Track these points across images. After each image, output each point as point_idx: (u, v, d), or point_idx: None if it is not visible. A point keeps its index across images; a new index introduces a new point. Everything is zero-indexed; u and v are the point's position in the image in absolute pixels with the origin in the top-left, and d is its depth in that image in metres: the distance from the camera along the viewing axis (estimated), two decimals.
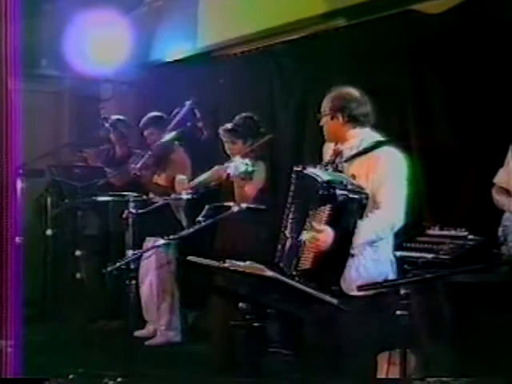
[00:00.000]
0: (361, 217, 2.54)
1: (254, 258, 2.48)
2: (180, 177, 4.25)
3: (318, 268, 2.54)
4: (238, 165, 3.56)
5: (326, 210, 2.51)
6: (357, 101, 2.76)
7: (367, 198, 2.55)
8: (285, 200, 2.70)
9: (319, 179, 2.54)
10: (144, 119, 4.50)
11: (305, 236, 2.55)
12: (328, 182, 2.51)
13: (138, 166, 4.20)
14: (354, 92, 2.78)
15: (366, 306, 2.56)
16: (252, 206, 3.04)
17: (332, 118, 2.78)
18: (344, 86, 2.80)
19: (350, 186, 2.53)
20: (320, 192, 2.51)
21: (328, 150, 2.90)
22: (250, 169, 3.55)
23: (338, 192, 2.49)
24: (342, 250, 2.55)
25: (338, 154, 2.81)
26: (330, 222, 2.51)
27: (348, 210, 2.52)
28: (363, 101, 2.77)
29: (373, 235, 2.60)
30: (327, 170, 2.74)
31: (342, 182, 2.55)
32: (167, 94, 4.88)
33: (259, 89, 4.62)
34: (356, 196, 2.52)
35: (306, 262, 2.58)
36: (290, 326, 3.69)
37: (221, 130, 3.90)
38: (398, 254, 2.84)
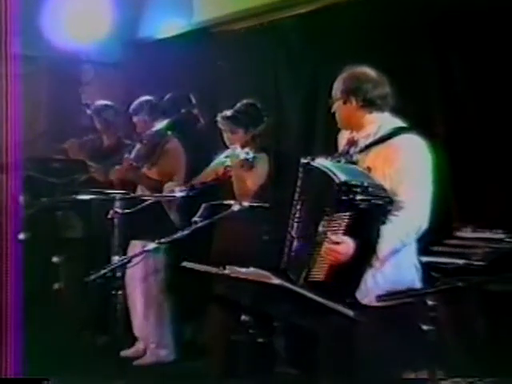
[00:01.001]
0: (383, 223, 2.52)
1: (258, 263, 2.49)
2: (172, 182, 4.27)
3: (332, 281, 2.53)
4: (236, 153, 3.56)
5: (344, 218, 2.48)
6: (372, 81, 2.74)
7: (391, 203, 2.53)
8: (291, 197, 2.69)
9: (335, 179, 2.50)
10: (134, 104, 4.51)
11: (319, 245, 2.54)
12: (346, 183, 2.48)
13: (133, 155, 4.22)
14: (369, 72, 2.77)
15: (387, 318, 2.54)
16: (255, 203, 3.01)
17: (345, 103, 2.78)
18: (358, 66, 2.79)
19: (371, 189, 2.51)
20: (337, 196, 2.48)
21: (343, 138, 2.90)
22: (250, 156, 3.55)
23: (359, 198, 2.47)
24: (362, 262, 2.54)
25: (352, 143, 2.80)
26: (349, 232, 2.49)
27: (370, 218, 2.50)
28: (380, 81, 2.75)
29: (397, 242, 2.57)
30: (339, 161, 2.73)
31: (361, 184, 2.50)
32: (158, 76, 4.88)
33: (263, 71, 4.62)
34: (379, 202, 2.51)
35: (318, 273, 2.56)
36: (299, 341, 3.68)
37: (219, 118, 3.91)
38: (424, 259, 2.81)
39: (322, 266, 2.55)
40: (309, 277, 2.57)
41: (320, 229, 2.53)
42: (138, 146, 4.32)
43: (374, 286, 2.59)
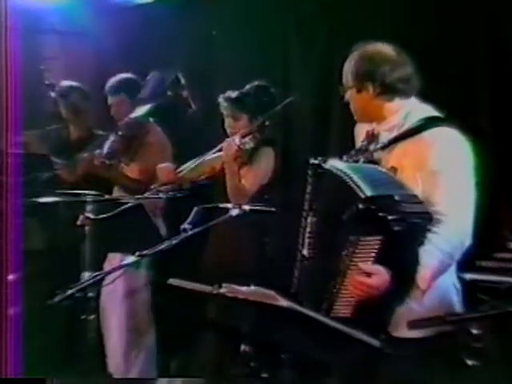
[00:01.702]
0: (421, 244, 2.49)
1: (261, 281, 2.51)
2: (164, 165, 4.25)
3: (361, 317, 2.53)
4: (230, 141, 3.58)
5: (374, 243, 2.46)
6: (390, 61, 2.74)
7: (431, 220, 2.50)
8: (301, 205, 2.70)
9: (359, 193, 2.46)
10: (110, 82, 4.54)
11: (343, 274, 2.54)
12: (373, 200, 2.44)
13: (106, 150, 4.24)
14: (384, 49, 2.77)
15: (421, 350, 2.56)
16: (258, 207, 3.03)
17: (359, 91, 2.79)
18: (371, 42, 2.79)
19: (405, 204, 2.46)
20: (363, 215, 2.45)
21: (361, 132, 2.91)
22: (247, 145, 3.57)
23: (391, 217, 2.42)
24: (399, 294, 2.52)
25: (372, 137, 2.81)
26: (382, 259, 2.47)
27: (407, 241, 2.47)
28: (400, 60, 2.75)
29: (439, 266, 2.57)
30: (357, 161, 2.74)
31: (393, 199, 2.45)
32: (139, 50, 4.91)
33: (269, 45, 4.64)
34: (417, 220, 2.47)
35: (344, 309, 2.55)
36: (311, 377, 3.69)
37: (221, 99, 3.95)
38: (467, 276, 2.82)
39: (349, 301, 2.54)
40: (331, 312, 2.56)
41: (344, 253, 2.51)
42: (113, 137, 4.33)
43: (405, 312, 2.57)
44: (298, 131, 4.36)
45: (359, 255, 2.48)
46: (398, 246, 2.44)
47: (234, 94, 3.91)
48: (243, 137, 3.75)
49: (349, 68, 2.81)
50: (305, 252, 2.67)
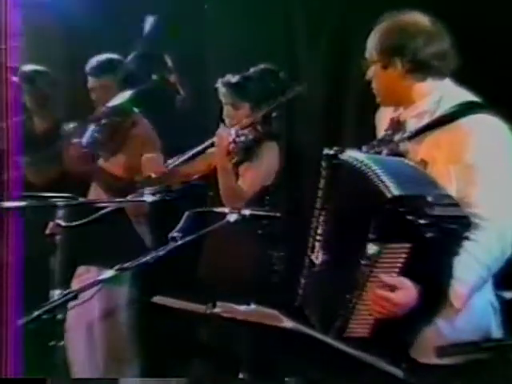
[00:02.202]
0: (457, 254, 2.48)
1: (262, 298, 2.52)
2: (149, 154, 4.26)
3: (380, 339, 2.53)
4: (221, 133, 3.57)
5: (401, 252, 2.44)
6: (424, 33, 2.73)
7: (469, 226, 2.47)
8: (311, 204, 2.69)
9: (385, 191, 2.43)
10: (93, 63, 4.55)
11: (361, 287, 2.53)
12: (401, 199, 2.42)
13: (87, 139, 4.27)
14: (418, 19, 2.77)
15: (450, 381, 2.55)
16: (259, 212, 3.02)
17: (385, 67, 2.78)
18: (403, 12, 2.79)
19: (439, 207, 2.43)
20: (388, 218, 2.43)
21: (384, 118, 2.90)
22: (247, 140, 3.56)
23: (423, 221, 2.40)
24: (427, 313, 2.51)
25: (398, 125, 2.81)
26: (410, 271, 2.45)
27: (440, 250, 2.45)
28: (436, 33, 2.74)
29: (477, 280, 2.55)
30: (379, 152, 2.74)
31: (425, 200, 2.42)
32: (118, 26, 4.89)
33: (270, 20, 4.64)
34: (453, 226, 2.44)
35: (361, 328, 2.55)
36: None
37: (220, 84, 3.95)
38: (508, 295, 2.78)
39: (367, 319, 2.53)
40: (345, 331, 2.56)
41: (363, 262, 2.49)
42: (94, 126, 4.34)
43: (433, 335, 2.57)
44: (307, 122, 4.37)
45: (382, 265, 2.47)
46: (429, 255, 2.42)
47: (234, 78, 3.91)
48: (242, 128, 3.75)
49: (374, 40, 2.80)
50: (314, 257, 2.67)
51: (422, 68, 2.74)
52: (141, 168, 4.17)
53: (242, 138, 3.73)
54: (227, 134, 3.72)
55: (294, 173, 3.82)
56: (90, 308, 4.25)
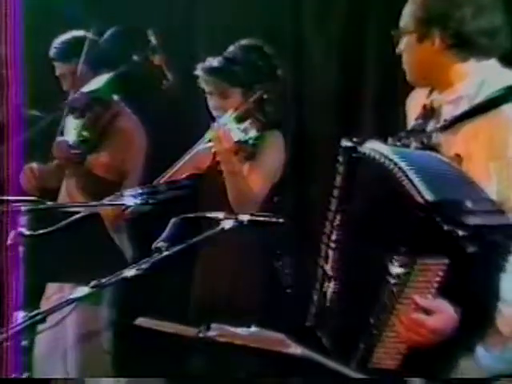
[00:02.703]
0: (503, 270, 2.43)
1: (265, 319, 2.61)
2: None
3: (412, 370, 2.51)
4: (222, 129, 3.58)
5: (437, 269, 2.41)
6: (475, 4, 2.71)
7: None
8: (324, 206, 2.67)
9: (416, 196, 2.40)
10: (59, 45, 4.55)
11: (388, 310, 2.50)
12: (437, 207, 2.40)
13: (73, 138, 4.30)
14: None
15: None
16: (259, 217, 2.98)
17: (421, 40, 2.76)
18: None
19: (481, 215, 2.41)
20: (421, 228, 2.40)
21: (417, 106, 2.87)
22: (250, 135, 3.53)
23: (462, 233, 2.37)
24: (466, 340, 2.49)
25: (431, 113, 2.79)
26: (447, 291, 2.44)
27: (483, 268, 2.42)
28: (489, 5, 2.73)
29: None
30: (408, 145, 2.72)
31: (465, 208, 2.40)
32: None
33: None
34: (498, 238, 2.40)
35: (388, 358, 2.52)
36: None
37: (200, 71, 3.93)
38: None
39: (396, 348, 2.52)
40: (369, 361, 2.54)
41: (390, 280, 2.47)
42: (78, 120, 4.35)
43: (474, 367, 2.56)
44: (317, 108, 4.36)
45: (414, 284, 2.45)
46: (471, 273, 2.40)
47: (216, 61, 3.89)
48: (240, 120, 3.72)
49: (412, 8, 2.78)
50: (328, 269, 2.65)
51: (465, 45, 2.72)
52: (121, 168, 4.23)
53: (249, 134, 3.70)
54: (228, 133, 3.69)
55: (303, 168, 3.80)
56: (63, 333, 4.29)
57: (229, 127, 3.69)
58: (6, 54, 3.48)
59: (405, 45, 2.81)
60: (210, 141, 3.81)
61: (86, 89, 4.27)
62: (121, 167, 4.33)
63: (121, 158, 4.36)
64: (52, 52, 4.54)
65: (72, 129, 4.34)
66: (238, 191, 3.72)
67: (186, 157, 3.88)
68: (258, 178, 3.76)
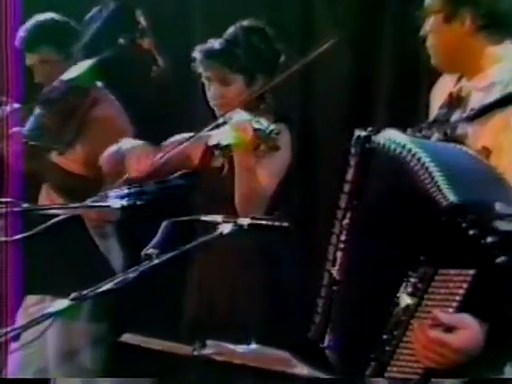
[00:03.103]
0: None
1: (266, 335, 2.62)
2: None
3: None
4: (242, 118, 3.57)
5: (462, 280, 2.40)
6: None
7: None
8: (333, 202, 2.67)
9: (439, 197, 2.39)
10: (26, 32, 4.54)
11: (404, 325, 2.51)
12: (462, 210, 2.38)
13: (29, 126, 4.31)
14: None
15: None
16: (260, 220, 2.99)
17: (449, 20, 2.80)
18: None
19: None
20: (445, 234, 2.39)
21: (441, 93, 2.90)
22: (270, 127, 3.54)
23: (491, 240, 2.35)
24: (493, 359, 2.48)
25: (457, 101, 2.81)
26: (473, 305, 2.43)
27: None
28: None
29: None
30: (429, 136, 2.74)
31: (494, 212, 2.38)
32: None
33: None
34: None
35: (403, 378, 2.53)
36: None
37: (198, 55, 3.93)
38: None
39: (413, 367, 2.51)
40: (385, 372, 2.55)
41: (406, 290, 2.47)
42: (40, 110, 4.38)
43: None
44: (325, 98, 4.38)
45: (435, 297, 2.44)
46: (499, 284, 2.38)
47: (218, 44, 3.89)
48: (248, 110, 3.70)
49: None
50: (335, 272, 2.64)
51: (499, 25, 2.75)
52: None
53: (261, 127, 3.68)
54: (249, 124, 3.68)
55: (309, 164, 3.80)
56: (41, 350, 4.32)
57: (249, 119, 3.64)
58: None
59: (431, 26, 2.83)
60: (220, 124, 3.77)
61: (64, 77, 4.26)
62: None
63: (99, 150, 4.26)
64: (18, 42, 4.52)
65: (32, 117, 4.38)
66: (249, 191, 3.70)
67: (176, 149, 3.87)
68: (265, 178, 3.76)
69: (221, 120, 3.72)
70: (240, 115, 3.64)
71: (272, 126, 3.53)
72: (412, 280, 2.45)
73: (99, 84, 4.46)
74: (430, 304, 2.45)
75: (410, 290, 2.46)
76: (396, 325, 2.50)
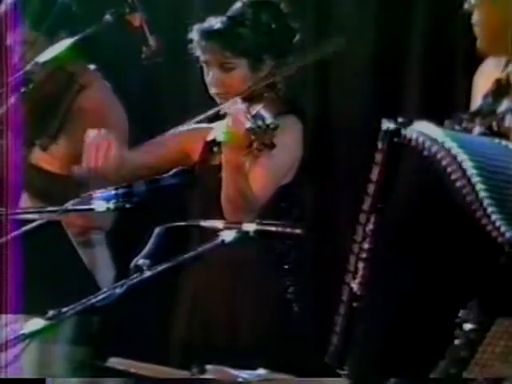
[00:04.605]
0: None
1: (275, 356, 2.69)
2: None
3: None
4: (243, 111, 3.54)
5: None
6: None
7: None
8: (355, 206, 2.66)
9: (494, 232, 2.32)
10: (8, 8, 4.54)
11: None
12: None
13: None
14: None
15: None
16: (269, 226, 2.96)
17: None
18: None
19: None
20: (502, 272, 2.34)
21: (486, 79, 2.89)
22: (270, 120, 3.51)
23: None
24: None
25: (506, 88, 2.81)
26: None
27: None
28: None
29: None
30: (469, 130, 2.74)
31: None
32: None
33: None
34: None
35: None
36: None
37: (196, 34, 3.92)
38: None
39: None
40: None
41: (459, 342, 2.44)
42: (13, 98, 4.31)
43: None
44: (344, 86, 4.38)
45: (491, 349, 2.43)
46: None
47: (218, 22, 3.87)
48: (248, 101, 3.69)
49: None
50: (355, 286, 2.63)
51: None
52: None
53: (260, 122, 3.64)
54: (244, 114, 3.65)
55: (325, 162, 3.79)
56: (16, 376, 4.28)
57: (245, 110, 3.63)
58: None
59: (475, 4, 2.82)
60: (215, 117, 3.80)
61: (41, 58, 4.24)
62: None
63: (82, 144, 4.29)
64: None
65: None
66: (238, 191, 3.68)
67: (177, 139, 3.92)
68: (260, 178, 3.75)
69: (213, 111, 3.73)
70: (234, 106, 3.64)
71: (269, 120, 3.51)
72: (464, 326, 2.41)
73: (91, 67, 4.46)
74: (487, 356, 2.42)
75: (460, 338, 2.42)
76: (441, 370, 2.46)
